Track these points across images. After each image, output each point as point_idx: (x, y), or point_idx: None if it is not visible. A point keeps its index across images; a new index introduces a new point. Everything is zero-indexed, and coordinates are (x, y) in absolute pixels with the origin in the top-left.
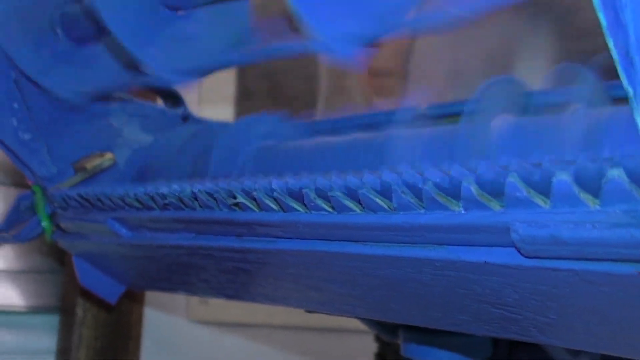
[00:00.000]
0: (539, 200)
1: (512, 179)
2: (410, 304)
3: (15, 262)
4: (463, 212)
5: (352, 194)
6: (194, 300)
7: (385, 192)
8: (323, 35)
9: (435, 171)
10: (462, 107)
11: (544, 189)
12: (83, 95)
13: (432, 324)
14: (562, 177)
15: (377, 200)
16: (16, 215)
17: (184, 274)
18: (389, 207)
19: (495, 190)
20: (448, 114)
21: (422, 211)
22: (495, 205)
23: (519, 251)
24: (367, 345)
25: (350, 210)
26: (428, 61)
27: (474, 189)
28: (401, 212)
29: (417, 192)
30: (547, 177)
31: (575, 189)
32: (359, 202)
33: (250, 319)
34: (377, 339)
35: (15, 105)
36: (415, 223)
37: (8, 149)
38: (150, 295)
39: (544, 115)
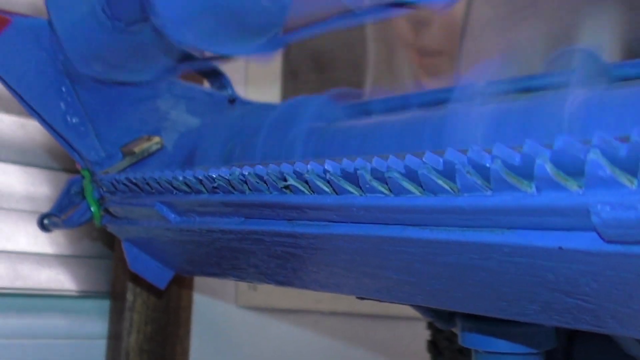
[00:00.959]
0: (624, 179)
1: (594, 156)
2: (473, 292)
3: (66, 246)
4: (535, 193)
5: (411, 175)
6: (243, 286)
7: (447, 172)
8: None
9: (504, 149)
10: (524, 83)
11: (630, 166)
12: (131, 78)
13: (497, 313)
14: None
15: (439, 181)
16: (67, 199)
17: (233, 259)
18: (451, 188)
19: (573, 169)
20: (508, 90)
21: (489, 193)
22: (573, 185)
23: (600, 236)
24: (417, 332)
25: (409, 192)
26: (483, 38)
27: (549, 167)
28: (465, 194)
29: (483, 172)
30: (634, 153)
31: None
32: (419, 183)
33: (299, 305)
34: (430, 326)
35: (63, 89)
36: (481, 205)
37: (57, 133)
38: (199, 281)
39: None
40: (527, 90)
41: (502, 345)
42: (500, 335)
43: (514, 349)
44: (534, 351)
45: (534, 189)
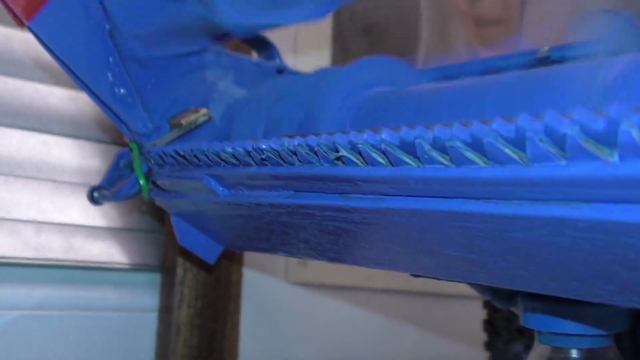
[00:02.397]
0: None
1: None
2: (542, 271)
3: (117, 220)
4: (618, 162)
5: (474, 144)
6: (293, 262)
7: (516, 140)
8: None
9: (584, 112)
10: (590, 48)
11: None
12: (178, 46)
13: (567, 293)
14: None
15: (507, 150)
16: (116, 172)
17: (283, 234)
18: (521, 158)
19: None
20: (574, 56)
21: (564, 162)
22: None
23: None
24: (472, 311)
25: (472, 163)
26: (546, 3)
27: (635, 132)
28: (536, 164)
29: (557, 140)
30: None
31: None
32: (483, 153)
33: (350, 282)
34: (486, 305)
35: (111, 59)
36: (555, 177)
37: (104, 105)
38: (249, 257)
39: None
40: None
41: (569, 326)
42: (568, 316)
43: (582, 331)
44: (604, 333)
45: (616, 158)
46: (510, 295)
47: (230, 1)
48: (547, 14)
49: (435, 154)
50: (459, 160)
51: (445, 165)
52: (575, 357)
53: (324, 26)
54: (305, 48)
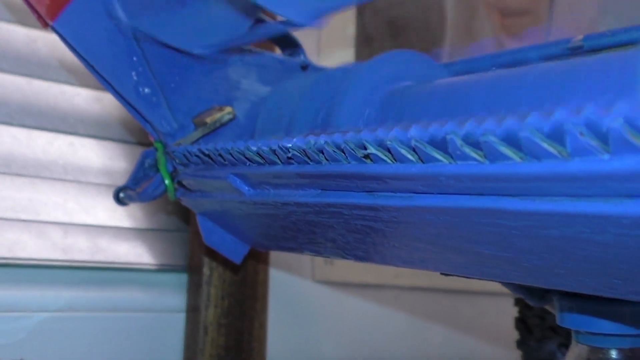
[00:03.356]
0: None
1: None
2: (580, 269)
3: (143, 220)
4: None
5: (509, 139)
6: (319, 261)
7: (554, 135)
8: None
9: (626, 105)
10: (627, 35)
11: None
12: (203, 48)
13: (606, 292)
14: None
15: (545, 144)
16: (141, 172)
17: (309, 233)
18: (559, 152)
19: None
20: (608, 45)
21: (607, 156)
22: None
23: None
24: (502, 308)
25: (507, 158)
26: None
27: None
28: (577, 159)
29: (599, 133)
30: None
31: None
32: (519, 148)
33: (376, 280)
34: (518, 302)
35: (135, 59)
36: (597, 171)
37: (129, 104)
38: (275, 256)
39: None
40: (628, 44)
41: (607, 326)
42: (606, 315)
43: (621, 330)
44: None
45: None
46: (544, 294)
47: None
48: (578, 2)
49: (468, 150)
50: (493, 156)
51: (479, 161)
52: (614, 358)
53: (348, 23)
54: (329, 46)
